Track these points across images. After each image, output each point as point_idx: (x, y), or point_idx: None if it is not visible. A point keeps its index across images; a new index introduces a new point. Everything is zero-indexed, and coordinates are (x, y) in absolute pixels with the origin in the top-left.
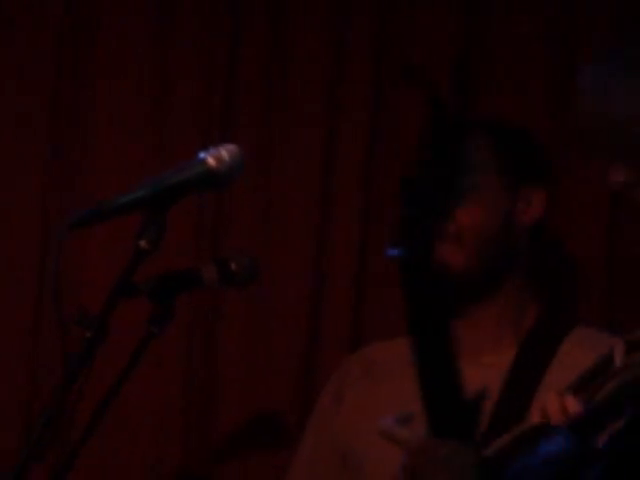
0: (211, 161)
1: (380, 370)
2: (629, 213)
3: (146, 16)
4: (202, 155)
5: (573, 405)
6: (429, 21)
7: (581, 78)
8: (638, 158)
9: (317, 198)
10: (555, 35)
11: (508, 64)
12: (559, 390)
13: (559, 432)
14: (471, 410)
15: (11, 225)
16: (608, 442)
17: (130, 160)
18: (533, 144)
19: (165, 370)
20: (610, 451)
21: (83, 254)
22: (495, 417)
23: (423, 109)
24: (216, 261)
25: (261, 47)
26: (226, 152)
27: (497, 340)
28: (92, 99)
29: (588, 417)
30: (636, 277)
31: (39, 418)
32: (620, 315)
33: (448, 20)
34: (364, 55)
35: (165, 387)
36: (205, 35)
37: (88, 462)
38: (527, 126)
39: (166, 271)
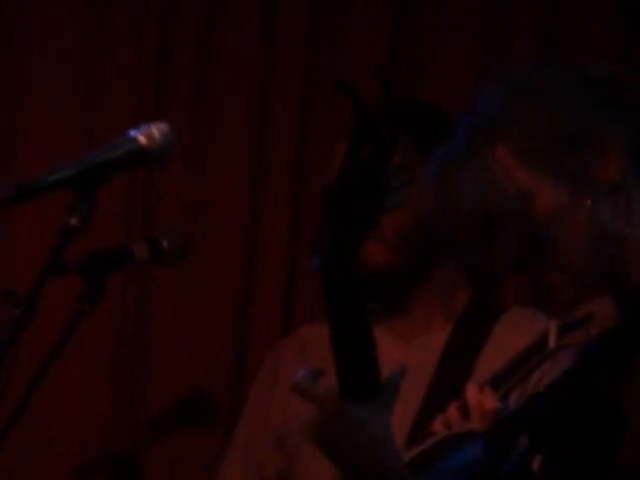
0: (142, 139)
1: (314, 351)
2: None
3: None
4: (133, 133)
5: (490, 401)
6: (362, 15)
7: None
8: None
9: (248, 180)
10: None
11: (441, 59)
12: (481, 382)
13: (477, 436)
14: (384, 380)
15: None
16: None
17: (62, 145)
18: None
19: (95, 349)
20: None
21: (12, 233)
22: (430, 397)
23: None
24: (147, 239)
25: (194, 31)
26: (157, 130)
27: (429, 322)
28: (25, 83)
29: (507, 420)
30: None
31: None
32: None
33: (381, 15)
34: (294, 55)
35: (95, 367)
36: (139, 13)
37: (16, 440)
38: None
39: (97, 249)
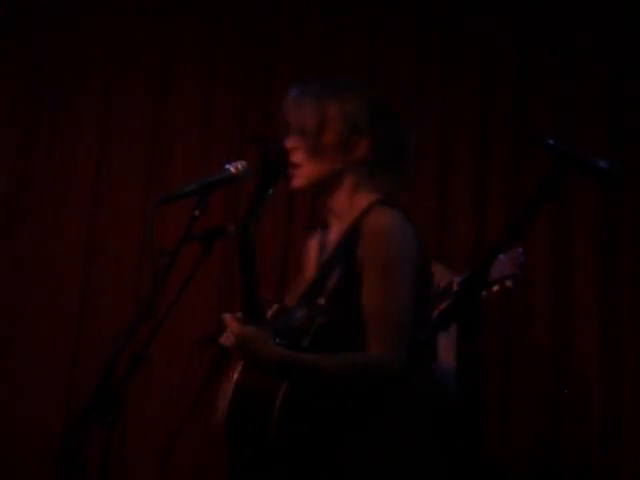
0: (233, 169)
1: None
2: None
3: None
4: (227, 166)
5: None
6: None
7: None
8: None
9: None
10: None
11: None
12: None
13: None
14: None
15: (124, 207)
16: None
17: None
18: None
19: (207, 281)
20: None
21: (164, 218)
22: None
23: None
24: (235, 223)
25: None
26: (241, 165)
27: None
28: (169, 138)
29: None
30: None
31: (142, 304)
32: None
33: None
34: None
35: (206, 294)
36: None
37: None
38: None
39: (208, 227)
